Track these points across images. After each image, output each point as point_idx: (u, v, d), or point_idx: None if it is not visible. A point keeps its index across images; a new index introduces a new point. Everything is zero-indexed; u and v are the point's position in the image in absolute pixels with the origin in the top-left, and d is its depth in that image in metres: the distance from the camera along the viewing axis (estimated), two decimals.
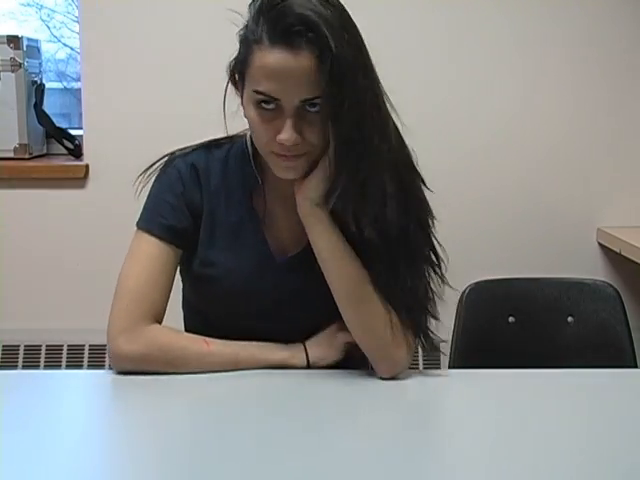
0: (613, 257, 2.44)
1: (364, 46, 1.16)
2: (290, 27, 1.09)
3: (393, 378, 1.23)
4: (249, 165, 1.30)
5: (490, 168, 2.43)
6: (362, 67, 1.14)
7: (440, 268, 1.26)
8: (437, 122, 2.41)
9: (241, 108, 1.21)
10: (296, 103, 1.13)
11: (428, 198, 1.28)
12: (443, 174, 2.40)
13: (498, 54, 2.40)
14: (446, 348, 1.63)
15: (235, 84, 1.22)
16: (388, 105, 1.20)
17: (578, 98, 2.42)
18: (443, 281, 1.25)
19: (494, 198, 2.44)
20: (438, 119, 2.41)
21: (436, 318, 1.25)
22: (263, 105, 1.15)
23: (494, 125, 2.42)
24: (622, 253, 2.25)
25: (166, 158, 1.33)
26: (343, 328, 1.26)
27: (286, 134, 1.14)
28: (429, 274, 1.25)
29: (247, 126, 1.22)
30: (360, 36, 1.16)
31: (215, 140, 1.35)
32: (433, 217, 1.27)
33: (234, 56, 1.19)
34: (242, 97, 1.20)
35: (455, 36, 2.38)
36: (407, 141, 1.25)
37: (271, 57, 1.11)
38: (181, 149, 1.34)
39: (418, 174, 1.28)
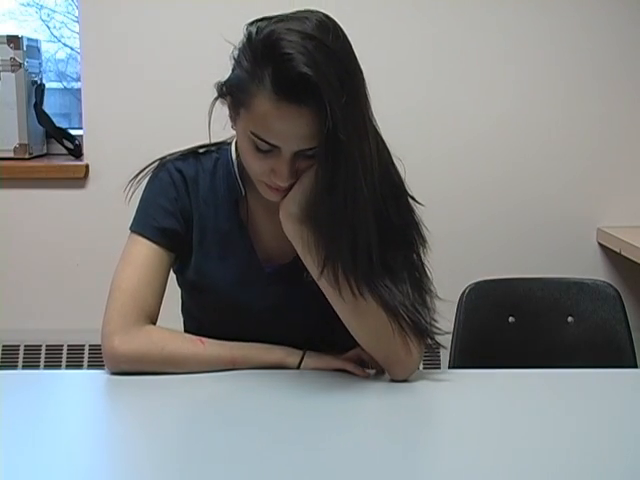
0: (613, 257, 2.44)
1: (363, 91, 1.15)
2: (294, 84, 1.07)
3: (405, 380, 1.24)
4: (234, 175, 1.31)
5: (490, 168, 2.43)
6: (359, 124, 1.13)
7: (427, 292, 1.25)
8: (437, 123, 2.41)
9: (229, 121, 1.21)
10: (294, 150, 1.14)
11: (420, 210, 1.28)
12: (443, 174, 2.41)
13: (497, 54, 2.40)
14: (445, 346, 1.63)
15: (222, 97, 1.20)
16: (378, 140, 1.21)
17: (578, 98, 2.42)
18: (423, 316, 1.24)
19: (494, 198, 2.44)
20: (438, 120, 2.41)
21: (434, 319, 1.25)
22: (259, 145, 1.15)
23: (494, 126, 2.42)
24: (622, 253, 2.25)
25: (157, 163, 1.33)
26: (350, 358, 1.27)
27: (282, 181, 1.16)
28: (424, 268, 1.26)
29: (234, 132, 1.23)
30: (360, 79, 1.15)
31: (204, 146, 1.35)
32: (422, 243, 1.27)
33: (228, 79, 1.17)
34: (234, 119, 1.19)
35: (453, 36, 2.38)
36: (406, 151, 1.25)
37: (275, 111, 1.10)
38: (171, 154, 1.34)
39: (406, 204, 1.27)
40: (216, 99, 1.21)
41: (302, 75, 1.06)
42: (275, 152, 1.15)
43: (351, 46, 1.15)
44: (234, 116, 1.19)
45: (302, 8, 1.16)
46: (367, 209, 1.16)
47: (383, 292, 1.20)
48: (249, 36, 1.14)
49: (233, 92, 1.16)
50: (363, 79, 1.16)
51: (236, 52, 1.16)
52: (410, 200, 1.28)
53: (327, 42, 1.10)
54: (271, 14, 1.16)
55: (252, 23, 1.16)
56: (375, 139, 1.19)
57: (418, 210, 1.28)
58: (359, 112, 1.14)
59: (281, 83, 1.08)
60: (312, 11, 1.15)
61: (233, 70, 1.17)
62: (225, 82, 1.18)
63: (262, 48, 1.11)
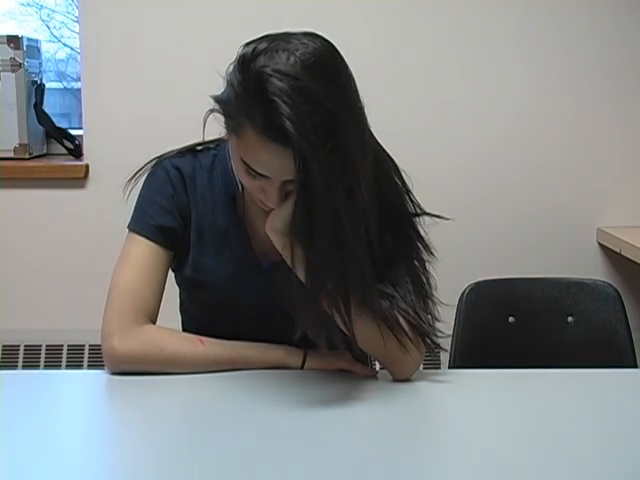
0: (613, 257, 2.44)
1: (357, 132, 1.12)
2: (278, 131, 1.06)
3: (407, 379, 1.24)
4: (230, 171, 1.31)
5: (490, 168, 2.43)
6: (346, 172, 1.10)
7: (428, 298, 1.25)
8: (438, 123, 2.41)
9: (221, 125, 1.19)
10: (283, 180, 1.13)
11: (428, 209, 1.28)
12: (444, 174, 2.41)
13: (500, 56, 2.40)
14: (446, 348, 1.63)
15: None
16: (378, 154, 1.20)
17: (578, 98, 2.42)
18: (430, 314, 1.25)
19: (494, 198, 2.44)
20: (439, 120, 2.41)
21: (437, 319, 1.25)
22: (249, 170, 1.14)
23: (495, 126, 2.42)
24: (622, 253, 2.25)
25: (154, 161, 1.33)
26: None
27: (272, 204, 1.16)
28: (426, 275, 1.26)
29: None
30: (353, 120, 1.11)
31: (202, 143, 1.34)
32: (426, 252, 1.26)
33: (221, 99, 1.15)
34: (227, 132, 1.18)
35: (459, 38, 2.38)
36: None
37: (262, 146, 1.09)
38: (169, 152, 1.34)
39: (409, 222, 1.26)
40: (211, 112, 1.18)
41: (283, 128, 1.05)
42: (265, 177, 1.14)
43: (348, 77, 1.12)
44: (227, 132, 1.18)
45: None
46: (358, 254, 1.14)
47: (381, 304, 1.19)
48: (243, 60, 1.11)
49: (225, 113, 1.15)
50: (360, 115, 1.14)
51: (230, 69, 1.14)
52: (420, 208, 1.27)
53: (317, 90, 1.06)
54: (268, 32, 1.13)
55: (248, 44, 1.12)
56: (372, 166, 1.16)
57: (421, 211, 1.28)
58: (346, 159, 1.10)
59: (267, 126, 1.07)
60: (310, 38, 1.11)
61: (226, 89, 1.14)
62: (218, 100, 1.15)
63: (252, 86, 1.08)
